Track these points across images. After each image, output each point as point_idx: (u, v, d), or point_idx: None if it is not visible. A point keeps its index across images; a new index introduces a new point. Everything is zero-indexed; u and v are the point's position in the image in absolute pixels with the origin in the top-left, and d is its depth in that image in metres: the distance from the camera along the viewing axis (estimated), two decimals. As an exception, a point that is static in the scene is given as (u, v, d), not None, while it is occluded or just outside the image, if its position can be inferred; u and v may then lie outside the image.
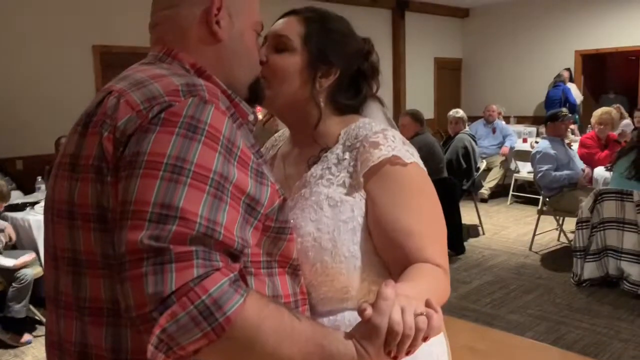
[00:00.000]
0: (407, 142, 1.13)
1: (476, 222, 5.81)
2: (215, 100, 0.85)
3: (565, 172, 4.84)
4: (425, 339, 0.80)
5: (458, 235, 5.00)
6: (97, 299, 0.84)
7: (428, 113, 8.45)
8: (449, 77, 10.33)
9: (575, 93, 8.62)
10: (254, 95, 1.07)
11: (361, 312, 0.78)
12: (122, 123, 0.83)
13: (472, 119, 7.70)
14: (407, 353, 0.80)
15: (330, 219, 1.04)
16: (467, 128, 6.14)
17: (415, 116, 4.93)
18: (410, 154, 1.08)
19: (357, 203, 1.06)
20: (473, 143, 5.85)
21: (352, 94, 1.18)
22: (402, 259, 1.02)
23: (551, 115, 5.20)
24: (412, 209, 1.04)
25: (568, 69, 8.93)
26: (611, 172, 4.37)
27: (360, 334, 0.80)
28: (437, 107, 10.04)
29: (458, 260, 4.87)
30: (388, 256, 1.05)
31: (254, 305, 0.76)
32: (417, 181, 1.08)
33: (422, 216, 1.05)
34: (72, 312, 0.88)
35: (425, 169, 1.12)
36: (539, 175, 4.84)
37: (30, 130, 5.40)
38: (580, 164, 5.05)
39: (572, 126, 7.20)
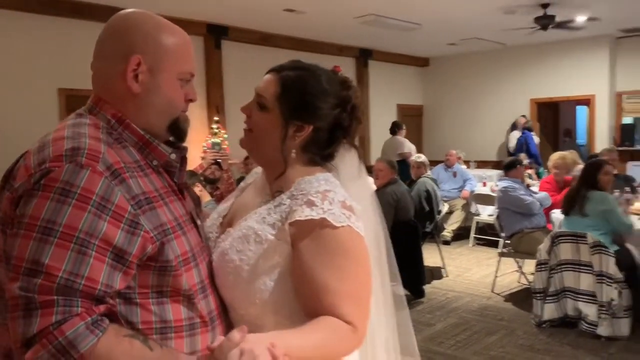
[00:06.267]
0: (351, 204, 1.18)
1: (439, 264, 5.90)
2: (93, 163, 1.01)
3: (537, 195, 5.22)
4: None
5: (418, 279, 5.05)
6: None
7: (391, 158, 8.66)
8: (411, 122, 10.63)
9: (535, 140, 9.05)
10: (175, 133, 1.21)
11: (209, 346, 0.92)
12: (18, 185, 1.02)
13: (434, 163, 7.92)
14: None
15: (253, 253, 1.16)
16: (429, 172, 6.30)
17: (391, 163, 5.15)
18: (346, 217, 1.14)
19: (281, 245, 1.16)
20: (435, 186, 6.00)
21: (324, 145, 1.27)
22: (316, 311, 1.09)
23: (509, 163, 5.43)
24: (332, 268, 1.11)
25: (524, 116, 9.33)
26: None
27: None
28: (400, 151, 10.27)
29: (422, 303, 4.91)
30: (304, 305, 1.13)
31: (107, 342, 0.95)
32: (344, 243, 1.13)
33: (341, 275, 1.11)
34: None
35: (360, 232, 1.17)
36: (527, 202, 5.00)
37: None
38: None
39: (529, 170, 7.48)
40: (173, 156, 1.16)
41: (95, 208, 0.98)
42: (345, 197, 1.18)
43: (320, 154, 1.28)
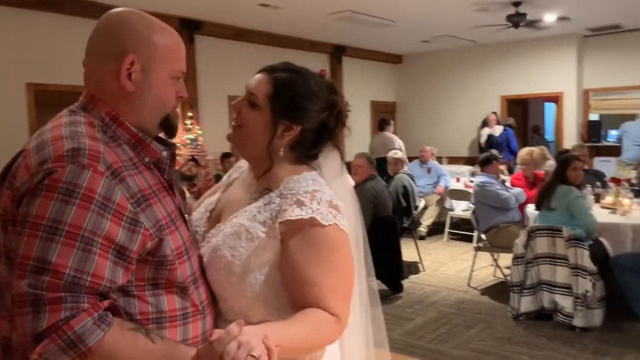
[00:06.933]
0: (337, 203, 1.25)
1: (416, 259, 5.95)
2: (94, 164, 1.04)
3: (513, 191, 5.30)
4: None
5: (397, 274, 5.09)
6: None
7: (366, 154, 8.71)
8: (385, 119, 10.71)
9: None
10: (166, 129, 1.25)
11: (209, 337, 0.98)
12: (20, 184, 1.04)
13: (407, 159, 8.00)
14: None
15: (245, 249, 1.22)
16: (406, 168, 6.35)
17: (370, 159, 5.18)
18: (333, 216, 1.21)
19: (271, 242, 1.22)
20: (412, 182, 6.05)
21: (311, 146, 1.34)
22: (304, 303, 1.18)
23: (485, 159, 5.51)
24: (320, 264, 1.19)
25: (495, 113, 9.49)
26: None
27: (204, 355, 1.00)
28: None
29: (400, 297, 4.95)
30: (292, 297, 1.21)
31: (113, 336, 1.00)
32: (331, 241, 1.21)
33: (328, 271, 1.19)
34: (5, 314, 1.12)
35: (345, 229, 1.24)
36: (504, 197, 5.09)
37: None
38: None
39: (501, 166, 7.61)
40: (164, 154, 1.20)
41: (98, 207, 1.02)
42: (331, 197, 1.25)
43: (307, 153, 1.34)
